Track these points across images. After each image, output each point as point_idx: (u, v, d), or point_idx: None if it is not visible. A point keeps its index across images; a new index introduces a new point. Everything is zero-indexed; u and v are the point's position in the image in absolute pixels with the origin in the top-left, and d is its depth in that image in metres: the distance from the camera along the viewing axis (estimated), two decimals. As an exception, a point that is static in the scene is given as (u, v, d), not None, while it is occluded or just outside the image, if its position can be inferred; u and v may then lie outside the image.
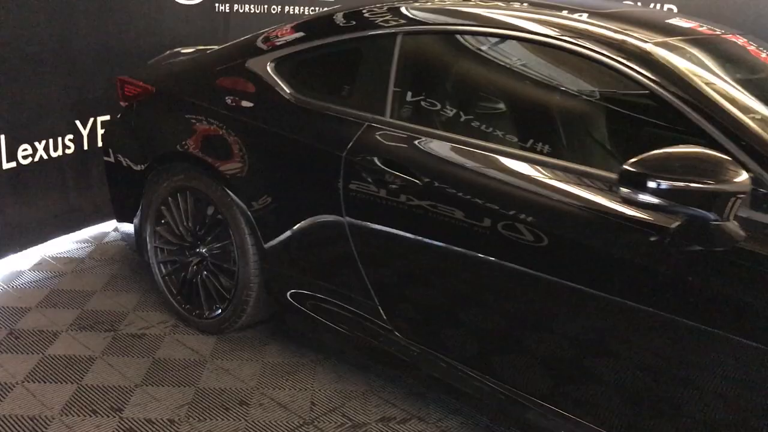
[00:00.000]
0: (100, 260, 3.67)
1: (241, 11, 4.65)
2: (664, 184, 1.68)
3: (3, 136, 3.41)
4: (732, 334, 1.71)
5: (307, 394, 2.62)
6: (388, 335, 2.45)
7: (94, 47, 3.77)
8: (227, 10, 4.56)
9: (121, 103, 3.31)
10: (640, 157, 1.72)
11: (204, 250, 2.93)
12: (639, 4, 5.72)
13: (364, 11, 2.61)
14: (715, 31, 2.50)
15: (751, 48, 2.60)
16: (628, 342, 1.91)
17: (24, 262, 3.59)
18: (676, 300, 1.79)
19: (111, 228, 4.01)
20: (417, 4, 2.57)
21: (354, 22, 2.60)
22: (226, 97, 2.84)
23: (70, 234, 3.93)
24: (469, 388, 2.26)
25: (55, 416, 2.41)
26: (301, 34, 2.76)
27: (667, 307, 1.81)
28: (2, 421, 2.36)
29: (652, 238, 1.82)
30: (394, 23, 2.48)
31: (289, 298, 2.69)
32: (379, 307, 2.44)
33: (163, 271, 3.09)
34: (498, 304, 2.17)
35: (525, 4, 2.45)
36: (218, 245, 2.87)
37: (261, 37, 2.90)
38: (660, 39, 2.16)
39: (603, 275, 1.90)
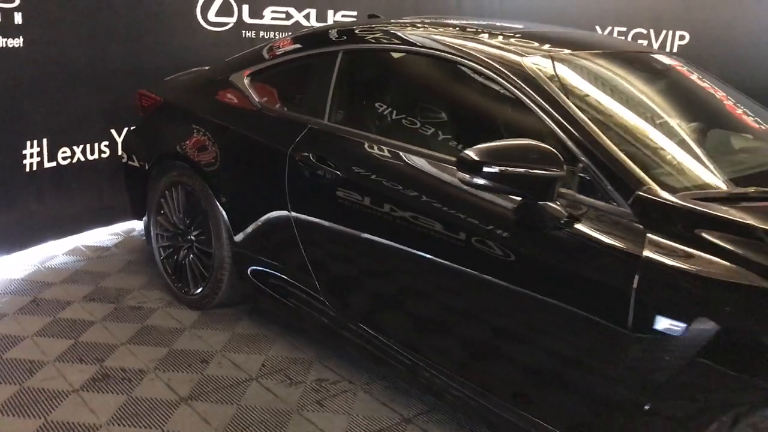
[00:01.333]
0: (123, 250, 4.24)
1: (266, 37, 5.20)
2: (497, 169, 2.03)
3: (45, 140, 4.05)
4: (558, 301, 2.03)
5: (261, 358, 3.06)
6: (323, 307, 2.86)
7: (129, 65, 4.38)
8: (253, 36, 5.11)
9: (140, 114, 3.88)
10: (477, 146, 2.08)
11: (192, 236, 3.42)
12: (652, 31, 5.97)
13: (318, 32, 3.07)
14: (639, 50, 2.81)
15: (681, 69, 2.90)
16: (480, 306, 2.26)
17: (60, 247, 4.20)
18: (514, 271, 2.14)
19: (138, 225, 4.57)
20: (360, 26, 3.01)
21: (309, 42, 3.07)
22: (213, 106, 3.35)
23: (104, 227, 4.53)
24: (380, 352, 2.64)
25: (50, 361, 2.93)
26: (270, 52, 3.25)
27: (509, 278, 2.15)
28: (9, 362, 2.90)
29: (498, 218, 2.17)
30: (338, 42, 2.93)
31: (249, 275, 3.14)
32: (316, 282, 2.86)
33: (162, 254, 3.61)
34: (397, 279, 2.56)
35: (439, 27, 2.84)
36: (201, 232, 3.35)
37: (244, 54, 3.40)
38: (543, 53, 2.51)
39: (463, 251, 2.26)
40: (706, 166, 2.27)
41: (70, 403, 2.65)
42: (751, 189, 2.13)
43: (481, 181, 2.05)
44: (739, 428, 1.73)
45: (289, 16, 5.27)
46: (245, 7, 5.04)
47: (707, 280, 1.78)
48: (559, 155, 2.04)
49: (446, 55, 2.56)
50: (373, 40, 2.86)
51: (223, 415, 2.63)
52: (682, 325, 1.79)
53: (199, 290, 3.41)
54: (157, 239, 3.63)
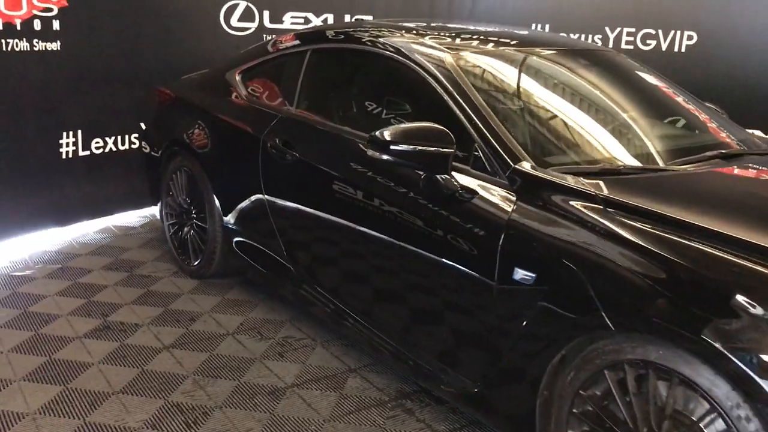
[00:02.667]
0: (147, 230, 4.78)
1: (285, 40, 5.68)
2: (400, 148, 2.41)
3: (80, 131, 4.63)
4: (449, 260, 2.39)
5: (241, 318, 3.51)
6: (288, 273, 3.29)
7: (157, 65, 4.91)
8: (273, 39, 5.59)
9: (158, 107, 4.40)
10: (385, 128, 2.46)
11: (193, 214, 3.91)
12: (660, 31, 6.17)
13: (285, 36, 3.51)
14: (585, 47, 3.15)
15: (626, 63, 3.21)
16: (398, 266, 2.65)
17: (92, 226, 4.77)
18: (419, 236, 2.51)
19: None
20: (327, 28, 3.43)
21: (284, 46, 3.51)
22: (210, 100, 3.83)
23: (133, 210, 5.08)
24: (325, 306, 3.06)
25: (63, 315, 3.46)
26: (257, 51, 3.70)
27: (416, 242, 2.53)
28: (30, 314, 3.44)
29: (407, 190, 2.55)
30: (307, 42, 3.37)
31: (233, 246, 3.60)
32: (282, 248, 3.29)
33: (170, 231, 4.12)
34: (337, 245, 2.96)
35: (394, 29, 3.22)
36: (200, 210, 3.83)
37: (238, 55, 3.87)
38: (471, 50, 2.87)
39: (386, 220, 2.65)
40: (595, 146, 2.59)
41: (73, 347, 3.15)
42: (621, 165, 2.44)
43: (388, 158, 2.43)
44: (574, 361, 2.05)
45: (307, 21, 5.73)
46: (266, 13, 5.53)
47: (551, 237, 2.12)
48: (451, 135, 2.40)
49: (384, 52, 2.94)
50: (333, 41, 3.27)
51: (195, 360, 3.08)
52: (532, 275, 2.13)
53: (197, 261, 3.89)
54: (167, 218, 4.14)
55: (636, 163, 2.51)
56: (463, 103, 2.56)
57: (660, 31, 6.21)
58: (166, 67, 4.93)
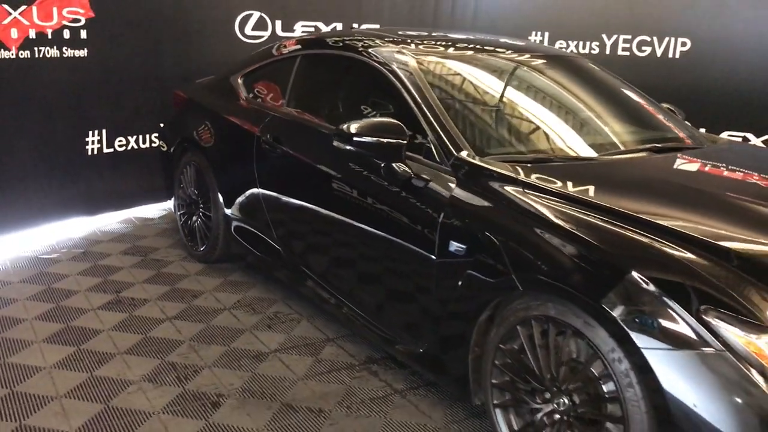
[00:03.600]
0: (165, 221, 5.22)
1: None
2: (361, 139, 2.78)
3: (104, 131, 5.10)
4: (402, 239, 2.76)
5: (238, 296, 3.91)
6: (279, 255, 3.68)
7: (176, 71, 5.36)
8: (284, 47, 6.01)
9: (175, 109, 4.84)
10: (350, 122, 2.83)
11: (200, 205, 4.33)
12: (655, 38, 6.43)
13: (288, 41, 3.91)
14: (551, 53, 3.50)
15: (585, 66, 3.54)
16: (361, 245, 3.02)
17: (116, 217, 5.24)
18: (377, 217, 2.88)
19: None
20: (316, 36, 3.82)
21: (279, 50, 3.92)
22: (216, 100, 4.25)
23: (155, 204, 5.54)
24: (307, 281, 3.44)
25: (81, 291, 3.90)
26: (258, 57, 4.12)
27: (375, 223, 2.90)
28: (52, 290, 3.89)
29: (369, 176, 2.92)
30: (299, 48, 3.77)
31: (233, 232, 4.01)
32: (273, 233, 3.68)
33: (181, 220, 4.55)
34: (318, 229, 3.35)
35: (372, 36, 3.60)
36: (206, 201, 4.25)
37: (242, 60, 4.29)
38: (438, 54, 3.24)
39: (353, 205, 3.02)
40: (531, 138, 2.94)
41: (88, 317, 3.58)
42: (553, 153, 2.78)
43: (351, 148, 2.81)
44: (496, 319, 2.40)
45: (317, 30, 6.14)
46: (278, 23, 5.96)
47: (478, 214, 2.47)
48: (404, 128, 2.76)
49: (360, 57, 3.32)
50: (319, 47, 3.67)
51: (193, 329, 3.49)
52: (463, 246, 2.49)
53: (203, 247, 4.31)
54: (178, 208, 4.57)
55: (570, 154, 2.84)
56: (420, 101, 2.93)
57: (655, 38, 6.47)
58: (185, 72, 5.38)
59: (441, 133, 2.79)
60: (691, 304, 1.91)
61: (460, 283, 2.50)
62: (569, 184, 2.48)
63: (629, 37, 6.58)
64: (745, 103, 6.27)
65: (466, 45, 3.49)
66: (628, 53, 6.60)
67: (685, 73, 6.42)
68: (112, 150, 5.19)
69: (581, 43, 6.71)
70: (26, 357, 3.15)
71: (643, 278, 1.99)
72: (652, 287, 1.97)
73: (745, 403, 1.81)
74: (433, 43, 3.45)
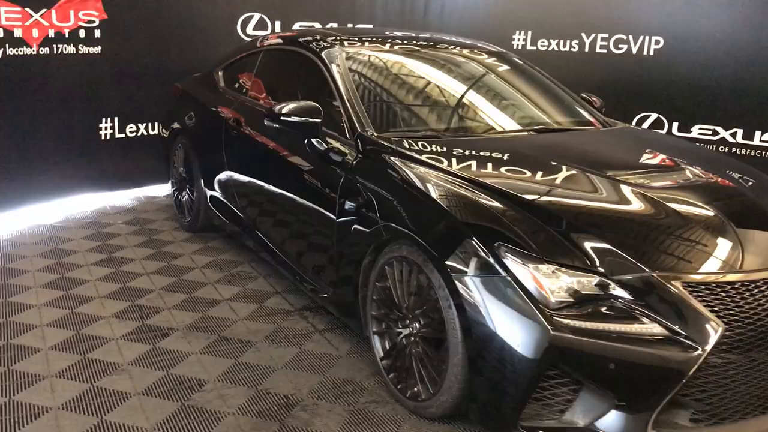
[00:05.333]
0: (169, 199, 5.90)
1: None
2: (286, 118, 3.38)
3: (117, 118, 5.82)
4: (314, 203, 3.34)
5: (211, 258, 4.55)
6: (241, 221, 4.31)
7: (182, 65, 6.02)
8: (282, 45, 6.65)
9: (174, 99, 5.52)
10: (281, 104, 3.42)
11: (187, 181, 5.00)
12: (631, 37, 6.84)
13: (258, 39, 4.54)
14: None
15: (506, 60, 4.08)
16: (291, 207, 3.61)
17: (125, 195, 5.96)
18: (300, 185, 3.47)
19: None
20: (275, 34, 4.44)
21: (250, 47, 4.55)
22: (201, 90, 4.91)
23: (161, 184, 6.23)
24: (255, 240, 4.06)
25: (81, 251, 4.60)
26: (233, 52, 4.76)
27: (299, 191, 3.49)
28: (59, 251, 4.60)
29: (299, 149, 3.52)
30: (262, 45, 4.39)
31: (208, 201, 4.66)
32: (237, 202, 4.31)
33: (174, 195, 5.23)
34: (261, 197, 3.95)
35: (318, 34, 4.18)
36: (191, 177, 4.91)
37: (225, 55, 4.94)
38: (367, 48, 3.82)
39: (284, 174, 3.62)
40: (428, 119, 3.49)
41: (81, 271, 4.26)
42: (443, 132, 3.33)
43: (279, 126, 3.41)
44: (373, 263, 2.97)
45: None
46: (278, 23, 6.60)
47: (365, 178, 3.04)
48: (321, 109, 3.35)
49: (303, 51, 3.92)
50: (277, 43, 4.29)
51: (165, 281, 4.14)
52: (353, 204, 3.06)
53: (188, 218, 4.97)
54: (172, 185, 5.25)
55: (457, 132, 3.39)
56: (340, 88, 3.51)
57: (630, 37, 6.87)
58: (190, 68, 6.01)
59: (351, 113, 3.37)
60: (490, 240, 2.45)
61: (350, 235, 3.07)
62: (439, 156, 3.02)
63: (606, 35, 7.00)
64: (714, 98, 6.64)
65: (398, 42, 4.06)
66: (605, 51, 7.02)
67: (659, 70, 6.82)
68: (123, 136, 5.90)
69: (561, 42, 7.16)
70: (25, 298, 3.84)
71: (461, 222, 2.54)
72: (466, 229, 2.51)
73: (521, 316, 2.33)
74: (370, 40, 4.02)
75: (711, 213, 2.69)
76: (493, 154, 3.12)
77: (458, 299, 2.47)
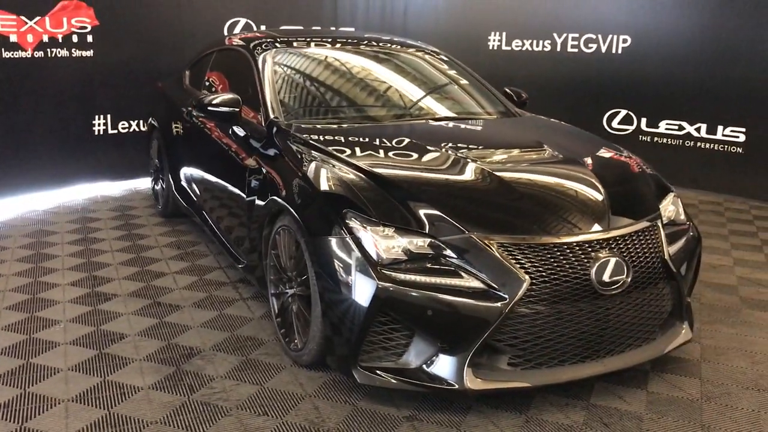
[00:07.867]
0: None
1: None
2: (212, 108, 3.83)
3: (109, 115, 6.38)
4: (234, 185, 3.77)
5: (173, 239, 5.03)
6: (195, 204, 4.78)
7: (169, 68, 6.54)
8: (267, 47, 7.13)
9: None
10: (209, 96, 3.88)
11: (160, 171, 5.50)
12: (600, 36, 7.11)
13: (217, 42, 5.02)
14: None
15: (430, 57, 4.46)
16: (219, 187, 4.06)
17: (118, 186, 6.51)
18: (228, 170, 3.92)
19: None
20: (228, 36, 4.91)
21: (209, 47, 5.03)
22: (171, 89, 5.42)
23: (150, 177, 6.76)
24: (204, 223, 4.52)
25: (61, 232, 5.14)
26: (197, 53, 5.25)
27: (227, 176, 3.94)
28: (40, 231, 5.15)
29: (225, 136, 3.97)
30: (215, 46, 4.87)
31: (173, 190, 5.15)
32: (194, 187, 4.79)
33: (151, 184, 5.74)
34: (201, 178, 4.41)
35: (262, 34, 4.63)
36: (163, 167, 5.42)
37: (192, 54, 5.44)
38: (295, 46, 4.25)
39: (213, 158, 4.08)
40: (335, 109, 3.89)
41: (55, 248, 4.79)
42: (345, 120, 3.74)
43: (205, 115, 3.86)
44: (269, 232, 3.39)
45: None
46: (263, 27, 7.07)
47: (266, 158, 3.47)
48: (240, 100, 3.80)
49: (241, 50, 4.37)
50: (225, 43, 4.75)
51: (125, 257, 4.63)
52: (256, 182, 3.49)
53: (161, 204, 5.48)
54: (150, 175, 5.77)
55: (357, 120, 3.79)
56: (262, 81, 3.94)
57: (599, 36, 7.15)
58: (177, 70, 6.56)
59: (267, 103, 3.80)
60: (340, 208, 2.84)
61: (254, 209, 3.50)
62: (329, 140, 3.42)
63: (577, 35, 7.28)
64: (679, 93, 6.86)
65: (333, 42, 4.48)
66: (576, 50, 7.31)
67: (627, 68, 7.07)
68: (116, 131, 6.46)
69: (535, 42, 7.47)
70: (2, 256, 4.39)
71: (320, 192, 2.94)
72: (322, 198, 2.92)
73: (357, 271, 2.72)
74: (307, 41, 4.45)
75: (538, 185, 3.05)
76: (376, 140, 3.50)
77: (315, 258, 2.87)
